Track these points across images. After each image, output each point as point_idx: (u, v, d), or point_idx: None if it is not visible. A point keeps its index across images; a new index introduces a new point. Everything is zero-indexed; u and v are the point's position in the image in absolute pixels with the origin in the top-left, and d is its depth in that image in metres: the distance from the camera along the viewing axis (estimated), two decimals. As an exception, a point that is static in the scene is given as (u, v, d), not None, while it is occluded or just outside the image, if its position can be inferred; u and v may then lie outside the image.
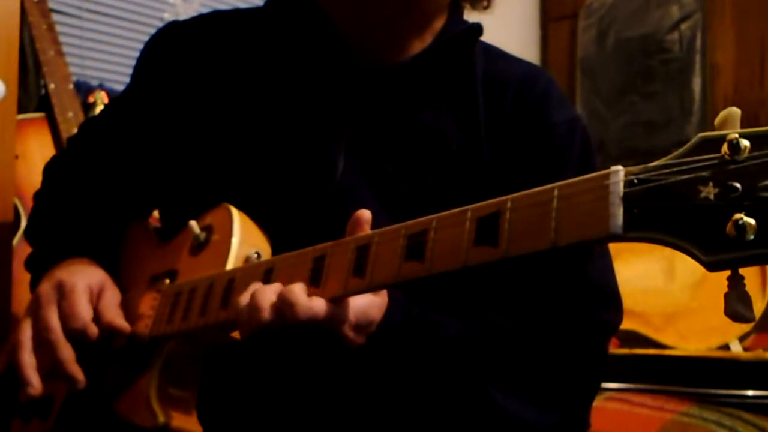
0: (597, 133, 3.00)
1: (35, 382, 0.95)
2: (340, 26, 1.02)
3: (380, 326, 0.83)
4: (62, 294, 0.97)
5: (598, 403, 1.02)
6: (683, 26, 2.93)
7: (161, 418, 0.92)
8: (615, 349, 2.05)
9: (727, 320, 0.52)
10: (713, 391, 1.83)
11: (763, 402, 1.78)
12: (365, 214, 0.79)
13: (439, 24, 1.05)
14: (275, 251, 0.93)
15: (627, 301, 1.03)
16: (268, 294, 0.78)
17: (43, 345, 0.96)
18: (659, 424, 1.68)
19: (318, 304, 0.76)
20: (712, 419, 1.67)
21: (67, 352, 0.95)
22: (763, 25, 2.80)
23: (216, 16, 1.14)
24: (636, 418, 1.74)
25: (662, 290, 2.25)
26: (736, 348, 2.09)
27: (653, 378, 1.92)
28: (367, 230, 0.79)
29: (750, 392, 1.80)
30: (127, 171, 1.14)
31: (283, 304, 0.76)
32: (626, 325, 1.04)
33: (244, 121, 1.03)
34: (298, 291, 0.76)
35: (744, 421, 1.67)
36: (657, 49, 2.99)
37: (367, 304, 0.81)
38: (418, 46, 1.03)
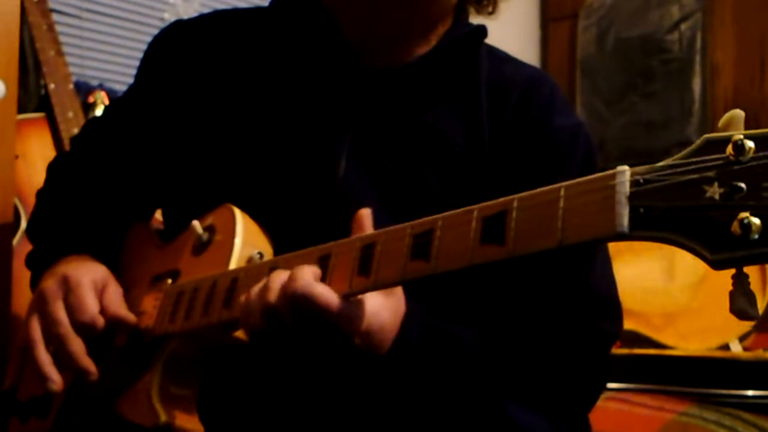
0: (597, 133, 3.00)
1: (56, 378, 0.95)
2: (345, 27, 1.02)
3: (397, 338, 0.83)
4: (68, 288, 0.97)
5: (598, 402, 1.02)
6: (683, 26, 2.93)
7: (163, 417, 0.92)
8: (615, 349, 2.05)
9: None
10: (713, 391, 1.83)
11: (763, 402, 1.78)
12: (365, 210, 0.79)
13: (444, 26, 1.05)
14: (277, 251, 0.92)
15: (627, 301, 1.03)
16: (279, 275, 0.77)
17: (51, 339, 0.96)
18: (659, 424, 1.69)
19: (320, 288, 0.75)
20: (712, 419, 1.68)
21: (77, 345, 0.95)
22: (763, 25, 2.80)
23: (221, 15, 1.14)
24: (636, 418, 1.75)
25: (662, 290, 2.25)
26: (736, 348, 2.09)
27: (653, 378, 1.92)
28: (368, 225, 0.79)
29: (750, 392, 1.81)
30: (131, 170, 1.14)
31: (289, 280, 0.75)
32: (626, 325, 1.04)
33: (247, 121, 1.03)
34: (307, 270, 0.76)
35: (744, 421, 1.68)
36: (657, 49, 3.00)
37: (380, 306, 0.80)
38: (423, 47, 1.03)
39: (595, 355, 1.01)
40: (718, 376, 1.86)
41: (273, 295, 0.76)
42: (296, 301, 0.74)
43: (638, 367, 1.95)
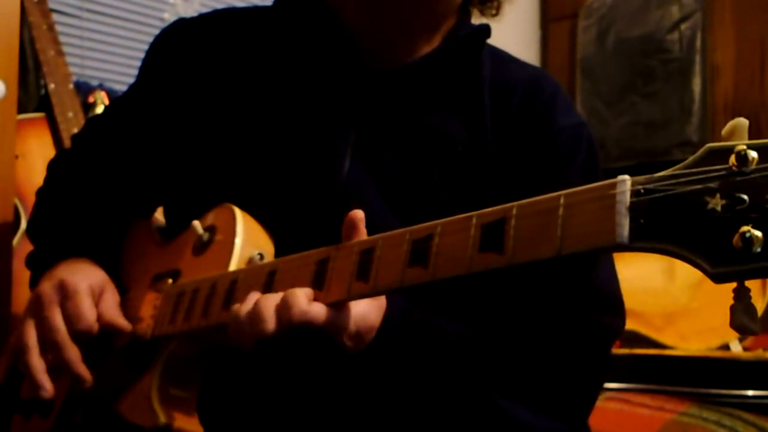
0: (597, 133, 2.99)
1: (48, 386, 0.95)
2: (349, 26, 1.02)
3: (379, 330, 0.83)
4: (65, 294, 0.97)
5: (598, 403, 1.02)
6: (683, 26, 2.92)
7: (162, 419, 0.92)
8: (615, 349, 2.05)
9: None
10: (713, 391, 1.83)
11: (763, 402, 1.78)
12: (358, 213, 0.79)
13: (447, 26, 1.05)
14: (280, 251, 0.93)
15: (627, 301, 1.03)
16: (271, 302, 0.78)
17: (47, 345, 0.96)
18: (659, 424, 1.69)
19: (316, 310, 0.75)
20: (712, 419, 1.68)
21: (74, 353, 0.95)
22: (763, 25, 2.80)
23: (224, 14, 1.14)
24: (636, 418, 1.75)
25: (662, 290, 2.25)
26: (736, 348, 2.09)
27: (653, 378, 1.92)
28: (362, 229, 0.79)
29: (750, 392, 1.81)
30: (133, 168, 1.14)
31: (283, 308, 0.76)
32: (626, 325, 1.05)
33: (250, 120, 1.03)
34: (300, 295, 0.76)
35: (744, 421, 1.68)
36: (657, 49, 2.99)
37: (367, 309, 0.81)
38: (427, 47, 1.04)
39: (597, 351, 1.01)
40: (718, 376, 1.86)
41: (270, 325, 0.76)
42: (293, 326, 0.75)
43: (638, 367, 1.95)
